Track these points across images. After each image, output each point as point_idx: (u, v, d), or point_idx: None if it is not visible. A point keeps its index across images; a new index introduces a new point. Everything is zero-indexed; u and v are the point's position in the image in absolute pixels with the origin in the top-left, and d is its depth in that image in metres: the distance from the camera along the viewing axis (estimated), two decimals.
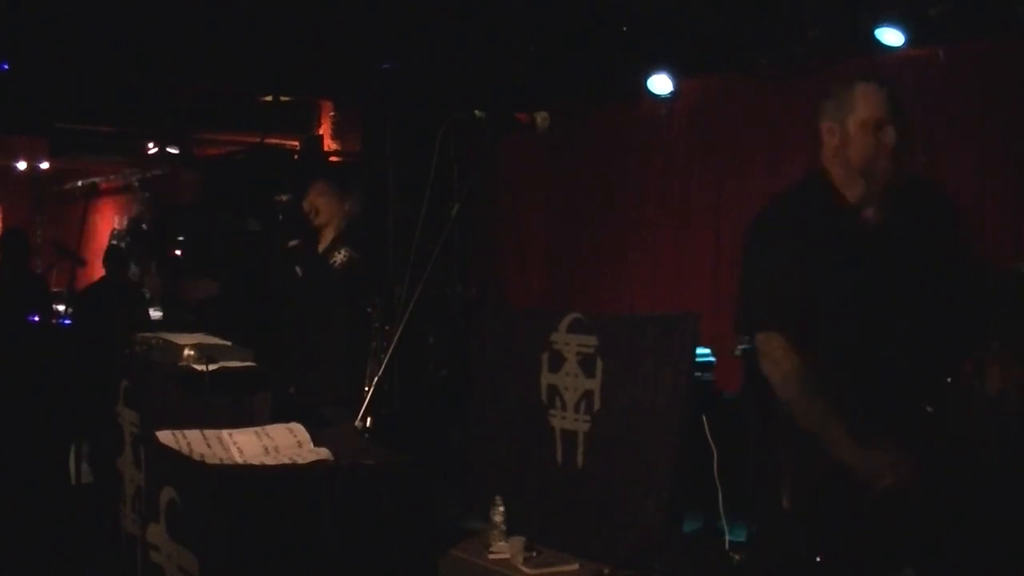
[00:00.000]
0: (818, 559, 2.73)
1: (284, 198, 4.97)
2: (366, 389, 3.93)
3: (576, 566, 4.30)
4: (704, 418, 4.91)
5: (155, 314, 9.60)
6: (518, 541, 4.34)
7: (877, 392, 2.74)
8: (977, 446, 2.76)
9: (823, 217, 2.82)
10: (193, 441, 3.38)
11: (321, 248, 4.96)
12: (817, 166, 2.90)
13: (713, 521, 5.20)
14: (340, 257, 4.83)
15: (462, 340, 5.75)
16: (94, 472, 5.78)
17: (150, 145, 10.62)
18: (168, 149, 10.51)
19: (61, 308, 7.67)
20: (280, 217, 4.95)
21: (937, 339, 2.77)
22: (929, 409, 2.70)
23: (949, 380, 2.73)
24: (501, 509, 4.43)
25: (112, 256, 7.96)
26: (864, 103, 2.78)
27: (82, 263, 7.89)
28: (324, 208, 4.94)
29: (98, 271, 11.54)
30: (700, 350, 5.41)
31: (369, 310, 5.30)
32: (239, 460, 3.33)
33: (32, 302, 6.94)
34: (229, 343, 4.19)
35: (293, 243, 4.96)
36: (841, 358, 2.78)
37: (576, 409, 4.62)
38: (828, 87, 2.90)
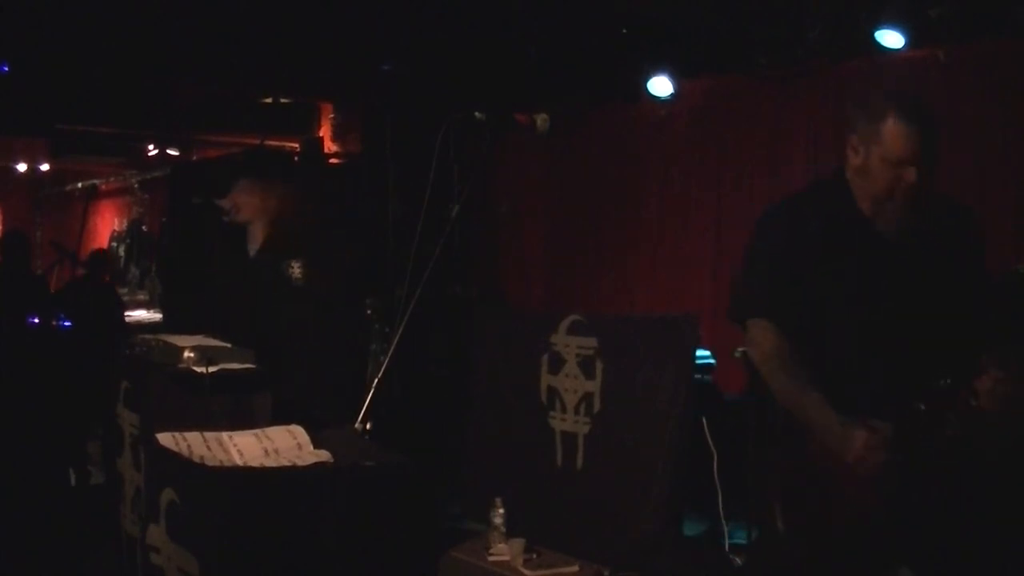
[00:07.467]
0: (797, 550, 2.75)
1: (227, 203, 4.94)
2: (368, 390, 3.93)
3: (576, 568, 4.30)
4: (704, 420, 4.91)
5: (155, 315, 9.63)
6: (518, 543, 4.34)
7: (872, 389, 2.76)
8: (975, 446, 2.76)
9: (837, 219, 2.83)
10: (193, 443, 3.39)
11: (254, 248, 4.92)
12: (839, 169, 2.90)
13: (713, 523, 5.21)
14: (296, 272, 4.81)
15: (462, 340, 5.75)
16: (105, 473, 5.78)
17: (150, 147, 10.64)
18: (168, 151, 10.52)
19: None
20: (225, 219, 4.93)
21: (938, 343, 2.77)
22: (922, 407, 2.70)
23: (943, 382, 2.73)
24: (501, 511, 4.43)
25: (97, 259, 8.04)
26: (892, 142, 2.73)
27: (82, 265, 7.92)
28: (246, 205, 4.88)
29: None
30: (700, 351, 5.42)
31: (368, 311, 5.29)
32: (239, 462, 3.33)
33: (32, 304, 6.95)
34: (229, 345, 4.19)
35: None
36: (840, 355, 2.79)
37: (576, 411, 4.62)
38: (860, 94, 2.87)
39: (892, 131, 2.73)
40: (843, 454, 2.65)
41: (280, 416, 3.87)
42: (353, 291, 7.34)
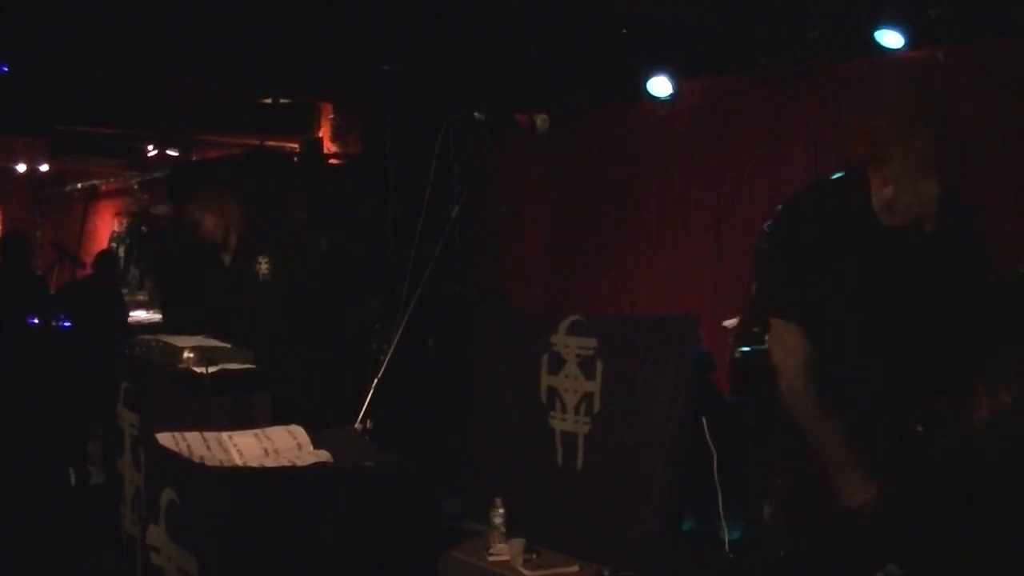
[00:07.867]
0: (782, 554, 2.75)
1: (161, 210, 4.95)
2: (368, 390, 3.93)
3: (576, 568, 4.30)
4: (704, 420, 4.90)
5: (155, 316, 9.63)
6: (518, 543, 4.34)
7: (872, 389, 2.76)
8: (975, 446, 2.76)
9: (854, 215, 2.82)
10: (193, 443, 3.39)
11: (227, 258, 4.95)
12: (858, 166, 2.87)
13: (713, 522, 5.20)
14: (263, 268, 4.82)
15: (462, 340, 5.75)
16: (105, 473, 5.79)
17: (150, 147, 10.63)
18: (168, 151, 10.52)
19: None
20: (163, 226, 4.94)
21: (938, 344, 2.77)
22: (919, 428, 2.70)
23: (939, 403, 2.73)
24: (501, 511, 4.43)
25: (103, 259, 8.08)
26: (937, 174, 2.70)
27: (82, 265, 7.92)
28: (207, 219, 4.90)
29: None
30: (700, 351, 5.42)
31: (369, 311, 5.28)
32: (239, 462, 3.33)
33: (32, 304, 6.95)
34: (229, 345, 4.18)
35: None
36: (840, 355, 2.79)
37: (576, 411, 4.62)
38: (885, 97, 2.81)
39: (937, 163, 2.71)
40: (842, 494, 2.68)
41: (280, 416, 3.87)
42: (352, 290, 7.35)
